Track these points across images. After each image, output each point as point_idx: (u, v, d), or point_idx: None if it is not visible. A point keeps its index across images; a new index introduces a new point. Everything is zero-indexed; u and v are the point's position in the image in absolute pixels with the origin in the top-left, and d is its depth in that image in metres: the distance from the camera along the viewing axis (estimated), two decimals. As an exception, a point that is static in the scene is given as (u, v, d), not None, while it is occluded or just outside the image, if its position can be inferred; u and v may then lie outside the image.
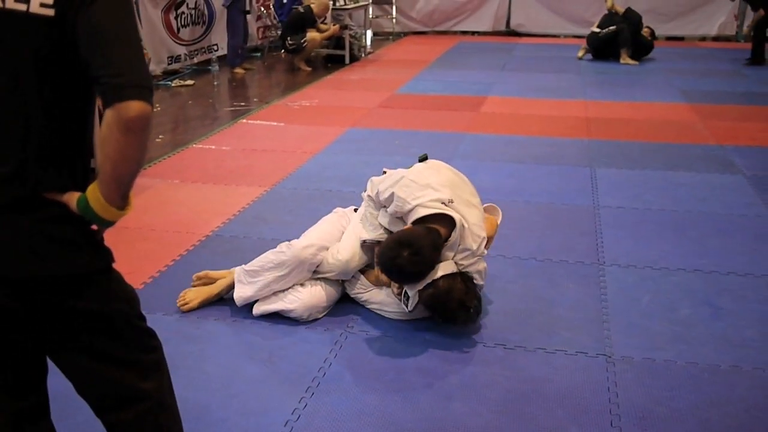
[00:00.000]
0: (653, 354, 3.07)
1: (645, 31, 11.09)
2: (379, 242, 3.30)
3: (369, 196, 3.43)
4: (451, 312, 3.13)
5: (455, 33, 14.32)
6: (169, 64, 9.43)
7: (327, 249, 3.37)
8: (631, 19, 10.76)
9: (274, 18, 11.74)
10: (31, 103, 1.58)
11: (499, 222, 3.56)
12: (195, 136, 6.59)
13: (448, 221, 3.09)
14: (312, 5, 10.32)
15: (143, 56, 1.59)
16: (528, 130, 6.78)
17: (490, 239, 3.40)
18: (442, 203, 3.10)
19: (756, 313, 3.43)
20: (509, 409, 2.71)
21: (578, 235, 4.31)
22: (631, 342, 3.16)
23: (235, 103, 8.20)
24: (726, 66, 10.60)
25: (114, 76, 1.51)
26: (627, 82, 9.31)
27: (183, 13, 9.65)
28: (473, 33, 14.30)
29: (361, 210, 3.52)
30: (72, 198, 1.63)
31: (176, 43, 9.56)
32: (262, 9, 11.56)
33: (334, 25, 10.82)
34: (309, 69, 10.29)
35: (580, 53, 11.09)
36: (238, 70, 9.92)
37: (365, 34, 12.14)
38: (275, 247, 3.40)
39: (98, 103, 1.65)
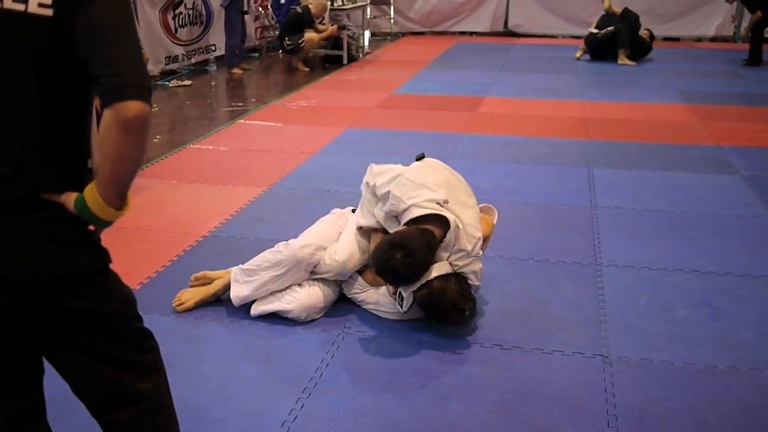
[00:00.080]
0: (650, 354, 3.07)
1: (644, 33, 11.11)
2: (375, 229, 3.30)
3: (367, 183, 3.43)
4: (444, 313, 3.13)
5: (453, 33, 14.34)
6: (166, 65, 9.44)
7: (324, 249, 3.37)
8: (628, 19, 10.78)
9: (272, 18, 11.74)
10: (30, 103, 1.58)
11: (495, 222, 3.55)
12: (192, 136, 6.59)
13: (442, 222, 3.09)
14: (310, 5, 10.32)
15: (142, 56, 1.59)
16: (526, 131, 6.78)
17: (486, 239, 3.40)
18: (437, 203, 3.10)
19: (753, 313, 3.43)
20: (506, 410, 2.71)
21: (576, 236, 4.31)
22: (629, 342, 3.17)
23: (232, 104, 8.19)
24: (724, 67, 10.62)
25: (113, 76, 1.51)
26: (625, 83, 9.32)
27: (181, 13, 9.65)
28: (471, 33, 14.32)
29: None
30: (69, 198, 1.63)
31: (174, 43, 9.56)
32: (260, 9, 11.56)
33: (331, 25, 10.83)
34: (307, 69, 10.30)
35: (578, 54, 11.10)
36: (236, 71, 9.92)
37: (363, 34, 12.14)
38: (273, 247, 3.40)
39: (96, 103, 1.65)
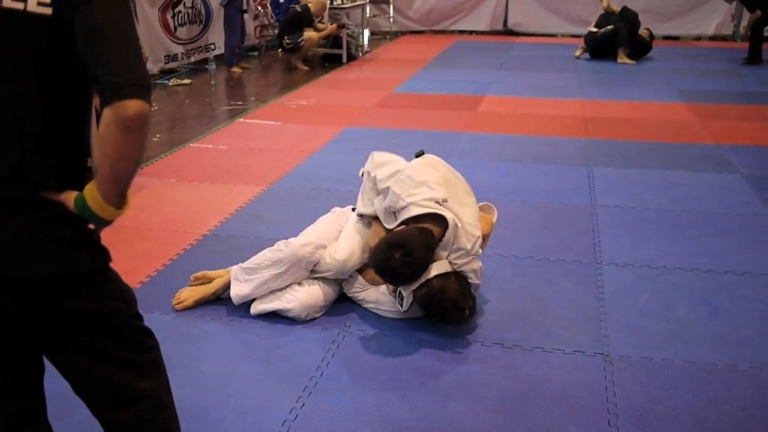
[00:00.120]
0: (651, 353, 3.07)
1: (643, 32, 11.11)
2: (376, 218, 3.30)
3: (368, 172, 3.43)
4: (444, 311, 3.12)
5: (452, 32, 14.34)
6: (166, 63, 9.44)
7: (325, 247, 3.37)
8: (627, 17, 10.78)
9: (271, 17, 11.73)
10: (29, 102, 1.58)
11: (494, 221, 3.55)
12: (192, 135, 6.59)
13: (441, 221, 3.08)
14: (309, 4, 10.32)
15: (141, 55, 1.59)
16: (525, 130, 6.78)
17: (485, 238, 3.40)
18: (436, 202, 3.10)
19: (753, 312, 3.43)
20: (506, 408, 2.71)
21: (576, 235, 4.31)
22: (629, 341, 3.16)
23: (232, 102, 8.19)
24: (723, 65, 10.62)
25: (112, 75, 1.50)
26: (624, 82, 9.32)
27: (180, 12, 9.65)
28: (471, 32, 14.32)
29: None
30: (69, 197, 1.62)
31: (173, 42, 9.56)
32: (259, 8, 11.55)
33: (331, 24, 10.83)
34: (306, 68, 10.29)
35: (578, 52, 11.10)
36: (236, 69, 9.91)
37: (362, 33, 12.13)
38: (273, 246, 3.39)
39: (95, 102, 1.65)
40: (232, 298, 3.34)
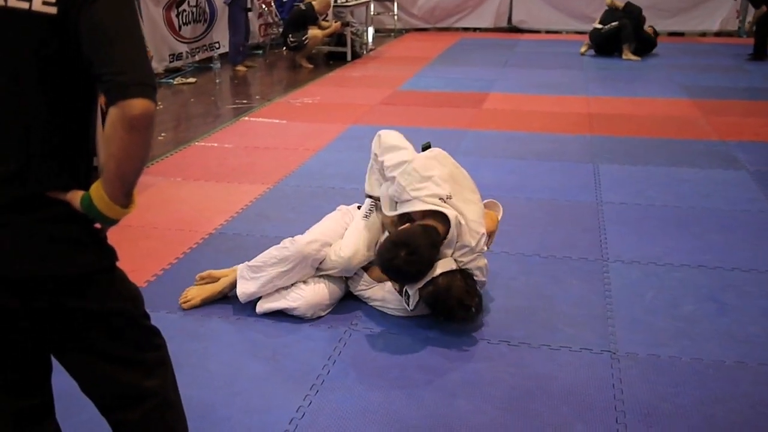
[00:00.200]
0: (658, 350, 3.07)
1: (648, 30, 11.07)
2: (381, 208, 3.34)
3: (376, 154, 3.42)
4: (450, 309, 3.12)
5: (457, 30, 14.32)
6: (170, 62, 9.44)
7: (330, 245, 3.37)
8: (631, 13, 10.74)
9: (276, 15, 11.73)
10: (33, 102, 1.58)
11: (499, 218, 3.55)
12: (197, 133, 6.59)
13: (445, 218, 3.08)
14: (313, 2, 10.32)
15: (146, 54, 1.58)
16: (530, 127, 6.77)
17: (491, 235, 3.39)
18: (440, 198, 3.09)
19: (760, 308, 3.42)
20: (514, 406, 2.71)
21: (581, 232, 4.30)
22: (636, 338, 3.16)
23: (237, 101, 8.19)
24: (728, 61, 10.59)
25: (117, 75, 1.50)
26: (629, 78, 9.30)
27: (184, 10, 9.66)
28: (475, 29, 14.30)
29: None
30: (75, 196, 1.62)
31: (178, 40, 9.57)
32: (264, 6, 11.55)
33: (335, 22, 10.82)
34: (311, 66, 10.29)
35: (583, 49, 11.09)
36: (240, 68, 9.92)
37: (367, 31, 12.12)
38: (278, 244, 3.39)
39: (101, 101, 1.65)
40: (239, 297, 3.34)
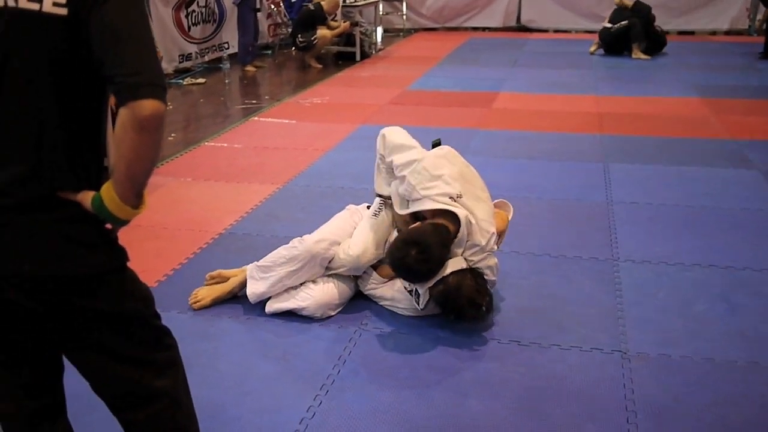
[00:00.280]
0: (669, 350, 3.05)
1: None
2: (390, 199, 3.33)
3: (382, 156, 3.42)
4: (460, 308, 3.11)
5: (466, 29, 14.29)
6: (180, 63, 9.47)
7: (339, 244, 3.36)
8: (640, 12, 10.68)
9: (285, 15, 11.74)
10: (44, 102, 1.58)
11: (510, 217, 3.54)
12: (207, 134, 6.60)
13: (455, 217, 3.07)
14: (322, 2, 10.33)
15: (156, 55, 1.59)
16: (540, 126, 6.76)
17: (501, 234, 3.39)
18: (450, 198, 3.08)
19: (772, 308, 3.40)
20: (524, 406, 2.70)
21: (592, 231, 4.29)
22: (647, 338, 3.14)
23: (246, 101, 8.20)
24: (738, 60, 10.54)
25: (128, 75, 1.51)
26: (639, 77, 9.27)
27: (194, 11, 9.68)
28: (484, 29, 14.27)
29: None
30: (86, 197, 1.62)
31: (187, 41, 9.59)
32: (273, 7, 11.57)
33: (344, 22, 10.83)
34: (320, 66, 10.30)
35: (593, 48, 11.06)
36: (249, 68, 9.93)
37: (376, 30, 12.11)
38: (287, 244, 3.39)
39: (111, 102, 1.65)
40: (248, 297, 3.34)
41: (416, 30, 14.33)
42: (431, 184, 3.12)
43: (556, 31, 13.79)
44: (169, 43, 9.17)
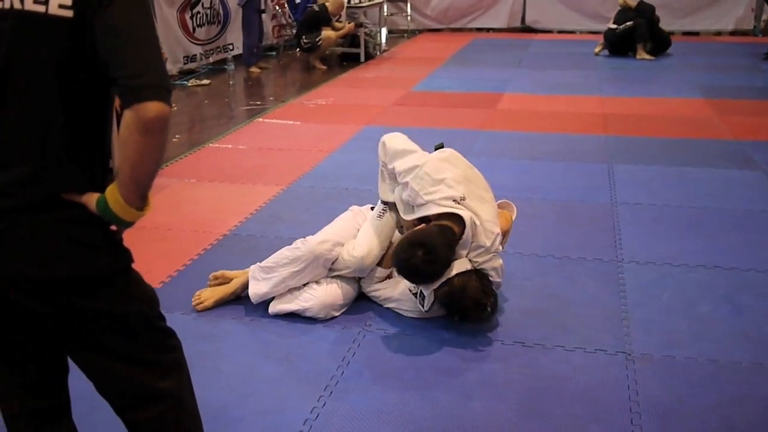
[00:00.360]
0: (673, 351, 3.05)
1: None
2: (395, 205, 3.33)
3: (384, 163, 3.42)
4: (465, 310, 3.11)
5: (470, 30, 14.29)
6: (184, 64, 9.48)
7: (342, 245, 3.37)
8: (644, 12, 10.66)
9: (289, 17, 11.75)
10: (50, 104, 1.58)
11: (513, 218, 3.54)
12: (211, 135, 6.61)
13: (460, 218, 3.07)
14: (327, 3, 10.34)
15: (161, 57, 1.59)
16: (544, 127, 6.75)
17: (505, 235, 3.38)
18: (454, 200, 3.08)
19: (777, 309, 3.40)
20: (528, 407, 2.70)
21: (596, 232, 4.29)
22: (651, 339, 3.14)
23: (250, 102, 8.21)
24: (743, 61, 10.52)
25: (132, 77, 1.51)
26: (644, 78, 9.26)
27: (198, 12, 9.69)
28: (488, 30, 14.26)
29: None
30: (91, 199, 1.63)
31: (192, 42, 9.60)
32: (277, 8, 11.58)
33: (348, 23, 10.83)
34: (324, 67, 10.30)
35: (598, 49, 11.04)
36: (254, 69, 9.94)
37: (380, 31, 12.13)
38: (291, 245, 3.40)
39: (116, 104, 1.66)
40: (251, 297, 3.35)
41: (420, 31, 14.33)
42: (434, 188, 3.12)
43: (561, 31, 13.78)
44: (174, 44, 9.18)
